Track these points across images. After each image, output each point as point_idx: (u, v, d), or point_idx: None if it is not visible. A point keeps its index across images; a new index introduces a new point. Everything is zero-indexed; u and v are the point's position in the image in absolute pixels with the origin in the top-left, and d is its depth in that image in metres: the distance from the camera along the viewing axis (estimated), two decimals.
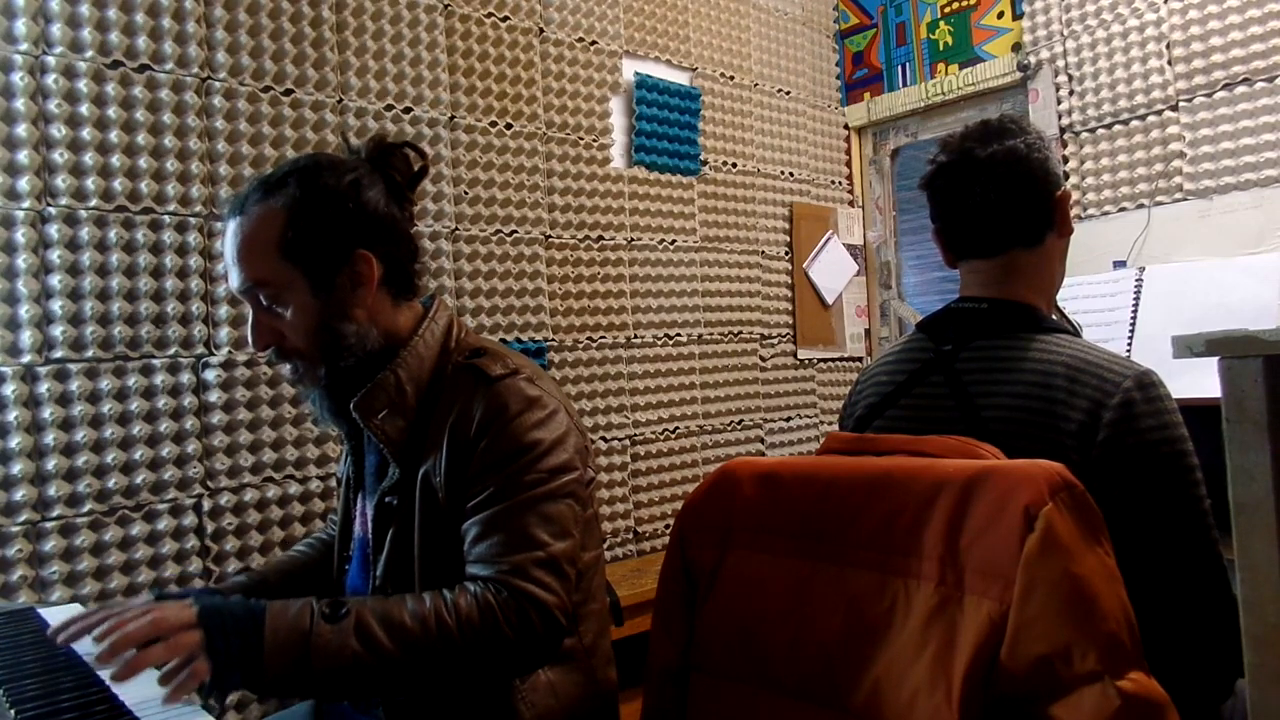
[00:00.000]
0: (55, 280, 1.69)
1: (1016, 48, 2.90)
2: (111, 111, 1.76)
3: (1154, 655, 0.84)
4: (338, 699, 1.12)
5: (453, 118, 2.31)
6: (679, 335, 2.84)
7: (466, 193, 2.33)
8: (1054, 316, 1.22)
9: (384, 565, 1.18)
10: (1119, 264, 2.51)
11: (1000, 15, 2.97)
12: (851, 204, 3.47)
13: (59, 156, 1.70)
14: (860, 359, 3.43)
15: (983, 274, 1.20)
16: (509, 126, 2.43)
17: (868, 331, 3.47)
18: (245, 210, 1.13)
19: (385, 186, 1.19)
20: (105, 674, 1.01)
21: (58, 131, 1.70)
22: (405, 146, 1.23)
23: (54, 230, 1.69)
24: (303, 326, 1.13)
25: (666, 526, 2.72)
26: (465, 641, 1.01)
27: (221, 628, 0.94)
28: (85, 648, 1.15)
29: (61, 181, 1.70)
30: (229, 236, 1.14)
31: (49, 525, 1.65)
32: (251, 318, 1.15)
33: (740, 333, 3.02)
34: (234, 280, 1.14)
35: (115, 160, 1.76)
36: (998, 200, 1.16)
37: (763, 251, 3.11)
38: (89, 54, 1.74)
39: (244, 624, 0.95)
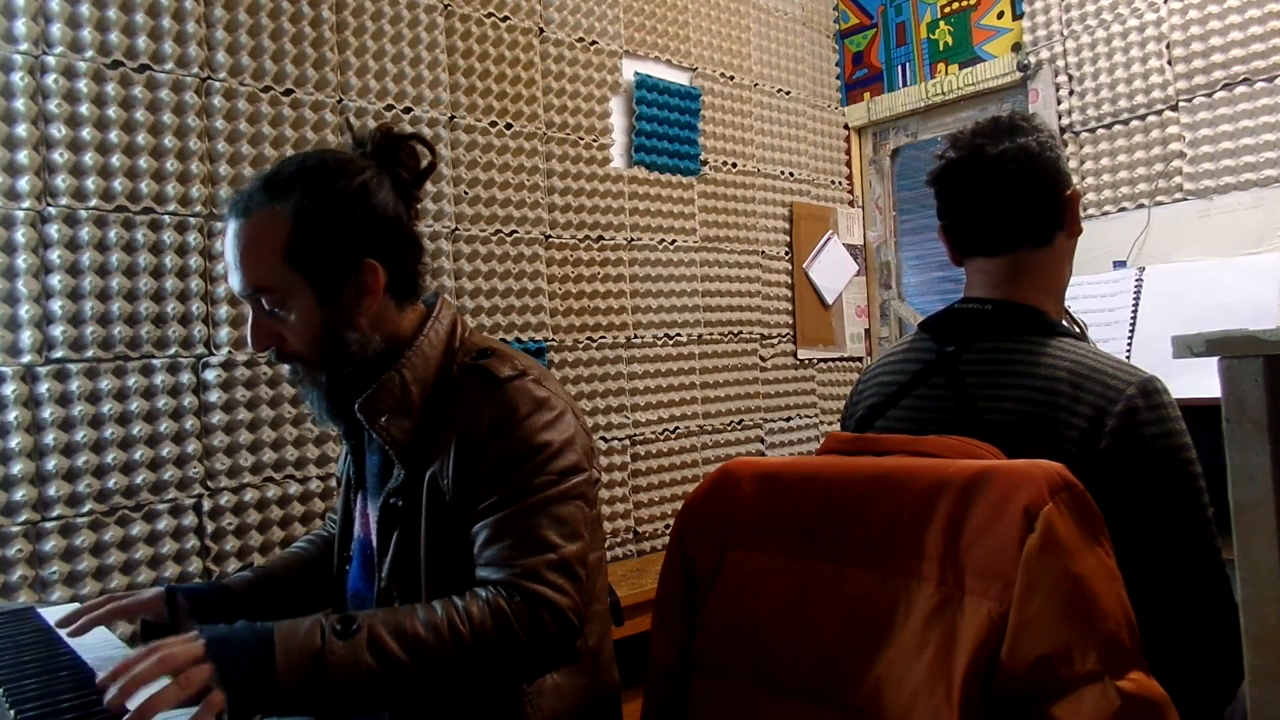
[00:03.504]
0: (55, 280, 1.69)
1: (1016, 48, 2.90)
2: (111, 111, 1.76)
3: (1157, 662, 0.84)
4: (354, 714, 1.12)
5: (453, 118, 2.31)
6: (679, 335, 2.84)
7: (466, 193, 2.33)
8: (1063, 319, 1.21)
9: (389, 567, 1.17)
10: (1119, 264, 2.51)
11: (1000, 15, 2.97)
12: (851, 204, 3.47)
13: (59, 156, 1.70)
14: (860, 359, 3.43)
15: (989, 273, 1.19)
16: (509, 126, 2.43)
17: (868, 331, 3.47)
18: (249, 212, 1.10)
19: (392, 185, 1.17)
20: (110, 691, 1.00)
21: (58, 131, 1.70)
22: (413, 139, 1.21)
23: (54, 230, 1.69)
24: (305, 333, 1.12)
25: (666, 526, 2.72)
26: (480, 648, 1.01)
27: (231, 657, 0.91)
28: (86, 645, 1.15)
29: (61, 181, 1.70)
30: (231, 238, 1.11)
31: (49, 525, 1.65)
32: (251, 319, 1.14)
33: (740, 333, 3.02)
34: (235, 283, 1.12)
35: (115, 160, 1.76)
36: (1008, 198, 1.15)
37: (763, 251, 3.11)
38: (89, 54, 1.74)
39: (254, 650, 0.93)
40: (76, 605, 1.24)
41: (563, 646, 1.08)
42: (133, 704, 0.87)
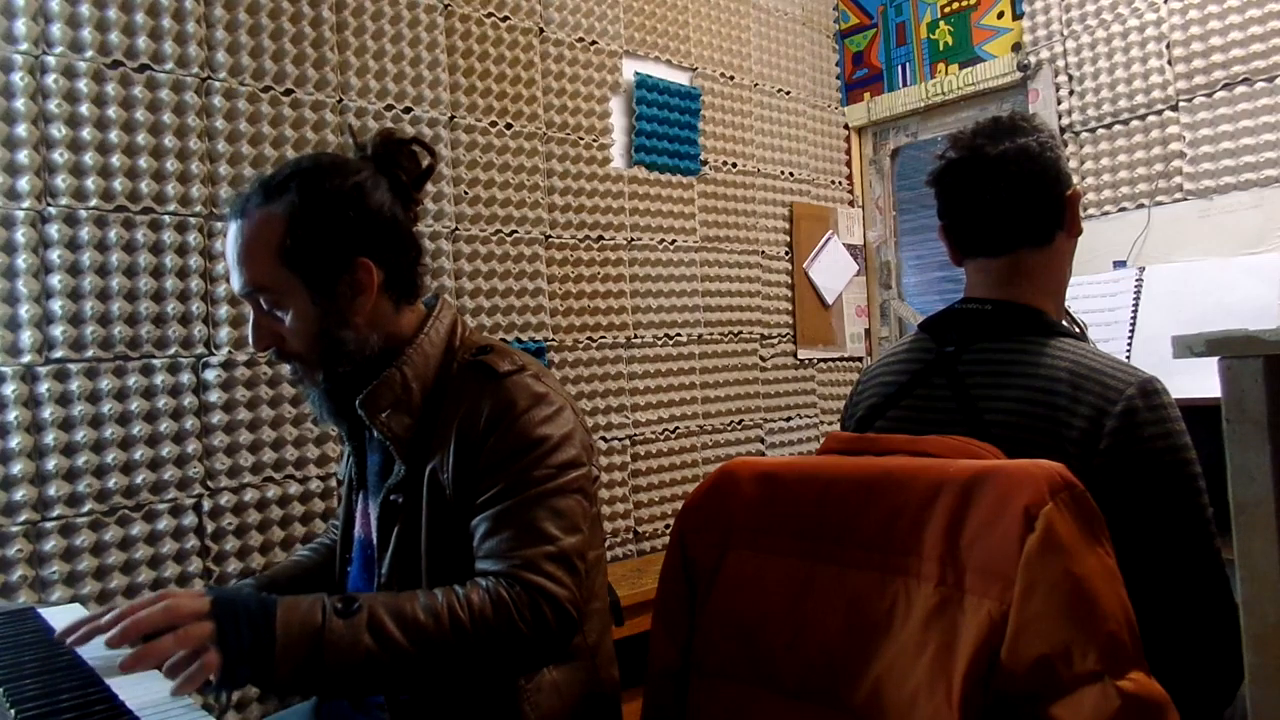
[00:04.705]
0: (55, 280, 1.69)
1: (1016, 48, 2.90)
2: (111, 111, 1.76)
3: (1157, 663, 0.84)
4: (348, 695, 1.11)
5: (453, 118, 2.31)
6: (679, 335, 2.84)
7: (466, 193, 2.33)
8: (1063, 320, 1.21)
9: (389, 563, 1.17)
10: (1119, 264, 2.52)
11: (1000, 15, 2.97)
12: (851, 204, 3.47)
13: (59, 156, 1.70)
14: (860, 359, 3.43)
15: (989, 273, 1.19)
16: (509, 126, 2.43)
17: (868, 331, 3.47)
18: (246, 213, 1.12)
19: (390, 187, 1.18)
20: (106, 674, 1.00)
21: (58, 131, 1.70)
22: (413, 143, 1.22)
23: (54, 230, 1.69)
24: (302, 332, 1.13)
25: (666, 526, 2.72)
26: (479, 635, 1.01)
27: (234, 620, 0.92)
28: (88, 648, 1.15)
29: (61, 181, 1.70)
30: (230, 239, 1.13)
31: (49, 525, 1.65)
32: (252, 319, 1.15)
33: (740, 333, 3.02)
34: (235, 283, 1.14)
35: (115, 160, 1.76)
36: (1008, 198, 1.15)
37: (763, 251, 3.11)
38: (89, 54, 1.74)
39: (256, 617, 0.93)
40: (77, 606, 1.24)
41: (562, 639, 1.08)
42: (129, 649, 0.89)
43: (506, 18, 2.44)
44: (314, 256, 1.11)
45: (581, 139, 2.60)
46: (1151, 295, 2.24)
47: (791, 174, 3.25)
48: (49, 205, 1.69)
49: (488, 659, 1.03)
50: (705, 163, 2.95)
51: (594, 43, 2.65)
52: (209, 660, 0.89)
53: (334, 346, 1.14)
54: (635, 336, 2.71)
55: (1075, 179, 2.69)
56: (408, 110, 2.22)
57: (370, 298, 1.15)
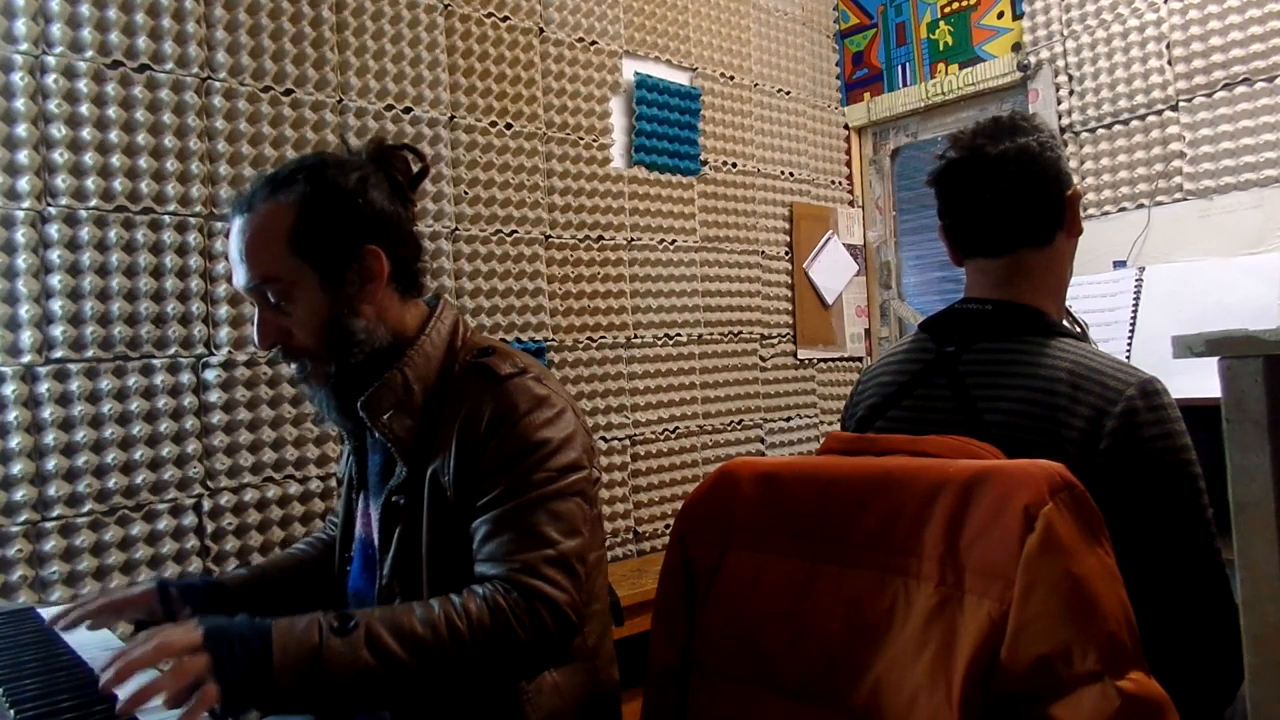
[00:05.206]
0: (55, 280, 1.69)
1: (1016, 48, 2.90)
2: (111, 111, 1.76)
3: (1157, 662, 0.84)
4: (350, 713, 1.11)
5: (453, 118, 2.31)
6: (679, 335, 2.84)
7: (466, 193, 2.33)
8: (1064, 320, 1.21)
9: (391, 564, 1.17)
10: (1119, 264, 2.51)
11: (1000, 15, 2.97)
12: (851, 204, 3.47)
13: (59, 156, 1.70)
14: (860, 359, 3.43)
15: (989, 273, 1.19)
16: (509, 126, 2.43)
17: (868, 331, 3.47)
18: (253, 207, 1.12)
19: (389, 186, 1.19)
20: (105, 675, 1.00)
21: (58, 131, 1.70)
22: (404, 149, 1.24)
23: (54, 230, 1.69)
24: (311, 323, 1.13)
25: (666, 526, 2.72)
26: (478, 644, 1.01)
27: (229, 649, 0.91)
28: (85, 645, 1.15)
29: (61, 181, 1.70)
30: (235, 233, 1.13)
31: (49, 525, 1.65)
32: (257, 316, 1.15)
33: (740, 333, 3.02)
34: (241, 278, 1.13)
35: (115, 160, 1.76)
36: (1008, 198, 1.15)
37: (763, 251, 3.11)
38: (89, 54, 1.74)
39: (251, 643, 0.92)
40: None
41: (561, 643, 1.08)
42: (126, 690, 0.87)
43: (506, 18, 2.44)
44: (325, 243, 1.11)
45: (581, 139, 2.60)
46: (1151, 295, 2.24)
47: (791, 174, 3.24)
48: (49, 205, 1.69)
49: (488, 667, 1.03)
50: (705, 163, 2.95)
51: (594, 43, 2.65)
52: (207, 693, 0.88)
53: (343, 336, 1.14)
54: (635, 336, 2.71)
55: (1075, 179, 2.69)
56: (408, 110, 2.22)
57: (379, 286, 1.16)
